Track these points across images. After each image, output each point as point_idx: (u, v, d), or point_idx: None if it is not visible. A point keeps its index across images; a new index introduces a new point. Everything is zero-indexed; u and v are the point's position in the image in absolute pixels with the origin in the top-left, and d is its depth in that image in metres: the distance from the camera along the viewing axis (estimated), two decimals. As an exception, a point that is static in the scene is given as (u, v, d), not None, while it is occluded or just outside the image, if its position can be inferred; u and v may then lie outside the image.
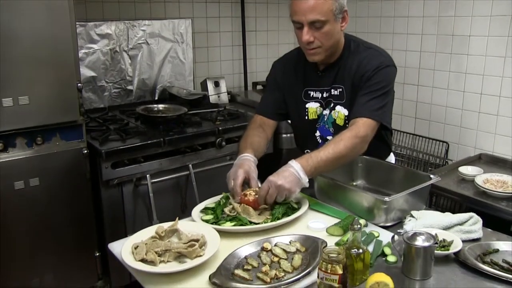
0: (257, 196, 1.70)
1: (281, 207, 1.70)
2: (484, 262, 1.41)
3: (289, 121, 2.25)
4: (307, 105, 2.03)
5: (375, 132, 1.85)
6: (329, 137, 1.99)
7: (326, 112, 2.00)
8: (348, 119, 1.92)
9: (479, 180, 2.48)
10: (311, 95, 2.02)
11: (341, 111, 1.95)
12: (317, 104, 2.01)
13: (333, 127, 1.99)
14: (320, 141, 2.04)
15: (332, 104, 1.98)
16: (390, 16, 3.48)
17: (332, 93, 1.96)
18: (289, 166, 1.70)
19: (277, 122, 2.13)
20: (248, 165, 1.80)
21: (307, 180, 1.69)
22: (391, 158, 2.20)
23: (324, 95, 1.99)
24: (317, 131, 2.04)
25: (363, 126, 1.80)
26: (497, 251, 1.49)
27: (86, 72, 3.08)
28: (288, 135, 3.28)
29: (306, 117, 2.04)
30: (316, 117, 2.03)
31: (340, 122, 1.96)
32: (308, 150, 1.97)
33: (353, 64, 1.90)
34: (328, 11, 1.76)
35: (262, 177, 1.77)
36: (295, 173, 1.67)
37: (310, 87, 2.02)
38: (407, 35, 3.39)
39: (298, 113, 2.07)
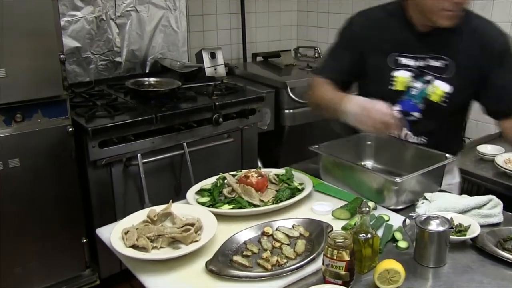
0: (260, 178, 1.70)
1: (287, 190, 1.71)
2: (504, 249, 1.41)
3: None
4: (395, 73, 1.86)
5: None
6: (414, 113, 1.87)
7: (418, 85, 1.85)
8: (449, 98, 1.81)
9: (500, 160, 2.48)
10: (401, 62, 1.86)
11: (440, 87, 1.82)
12: (408, 74, 1.85)
13: (424, 103, 1.85)
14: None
15: (429, 77, 1.83)
16: None
17: (430, 63, 1.82)
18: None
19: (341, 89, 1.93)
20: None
21: None
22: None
23: (420, 63, 1.84)
24: (398, 105, 1.86)
25: None
26: None
27: (69, 42, 3.06)
28: (291, 111, 3.28)
29: (391, 87, 1.87)
30: (404, 89, 1.86)
31: (436, 98, 1.82)
32: None
33: (470, 33, 1.78)
34: None
35: (264, 157, 1.77)
36: None
37: (402, 53, 1.85)
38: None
39: (379, 82, 1.90)
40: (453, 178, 2.04)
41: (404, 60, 1.86)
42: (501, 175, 2.44)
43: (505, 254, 1.38)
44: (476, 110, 3.19)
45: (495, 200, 1.62)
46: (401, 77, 1.86)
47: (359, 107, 1.68)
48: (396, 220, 1.56)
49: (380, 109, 1.64)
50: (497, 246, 1.43)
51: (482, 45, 1.77)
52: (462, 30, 1.77)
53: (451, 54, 1.80)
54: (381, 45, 1.88)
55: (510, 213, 1.65)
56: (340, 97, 1.78)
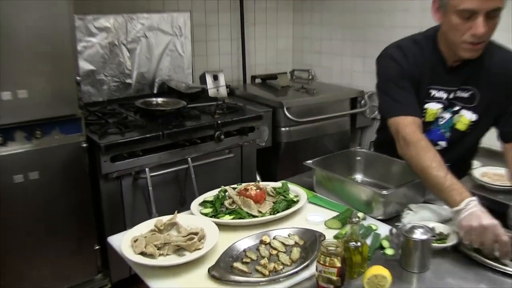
0: (258, 191, 1.70)
1: (283, 202, 1.71)
2: (479, 253, 1.42)
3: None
4: (426, 106, 1.78)
5: None
6: (441, 142, 1.83)
7: (447, 115, 1.80)
8: (474, 125, 1.76)
9: (477, 174, 2.48)
10: (433, 95, 1.78)
11: (465, 116, 1.77)
12: (439, 106, 1.78)
13: (451, 132, 1.81)
14: None
15: (457, 107, 1.78)
16: (388, 10, 3.47)
17: (458, 95, 1.76)
18: None
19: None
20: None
21: None
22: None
23: (450, 96, 1.76)
24: (424, 135, 1.70)
25: None
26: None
27: (84, 65, 3.08)
28: (287, 128, 3.29)
29: (422, 119, 1.75)
30: (433, 119, 1.81)
31: (461, 127, 1.79)
32: None
33: (490, 63, 1.71)
34: None
35: (262, 171, 1.77)
36: None
37: (435, 85, 1.76)
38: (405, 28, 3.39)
39: None
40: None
41: (436, 93, 1.78)
42: (478, 187, 2.43)
43: (482, 258, 1.39)
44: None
45: (473, 211, 1.62)
46: (431, 109, 1.79)
47: (470, 226, 1.38)
48: (384, 229, 1.56)
49: (493, 231, 1.36)
50: (474, 251, 1.44)
51: (504, 75, 1.72)
52: (484, 60, 1.70)
53: (475, 83, 1.74)
54: (418, 79, 1.76)
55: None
56: (451, 192, 1.47)
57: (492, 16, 1.52)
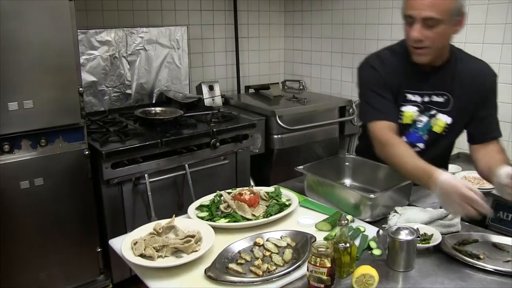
0: (252, 195, 1.70)
1: (276, 205, 1.71)
2: (460, 252, 1.44)
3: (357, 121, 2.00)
4: (402, 109, 1.82)
5: None
6: (419, 144, 1.85)
7: (424, 118, 1.83)
8: (449, 128, 1.81)
9: (458, 178, 2.49)
10: (408, 99, 1.82)
11: (441, 119, 1.81)
12: (415, 109, 1.82)
13: (428, 134, 1.84)
14: None
15: (433, 111, 1.82)
16: (374, 24, 3.49)
17: (433, 99, 1.80)
18: None
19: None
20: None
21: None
22: None
23: (425, 99, 1.81)
24: (404, 137, 1.83)
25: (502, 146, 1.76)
26: (476, 241, 1.53)
27: (87, 77, 3.07)
28: (280, 136, 3.29)
29: (399, 121, 1.82)
30: (411, 122, 1.83)
31: (437, 129, 1.83)
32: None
33: (464, 72, 1.77)
34: (445, 10, 1.58)
35: (255, 177, 1.77)
36: None
37: (410, 90, 1.81)
38: (391, 41, 3.39)
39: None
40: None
41: (411, 97, 1.82)
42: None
43: (463, 257, 1.41)
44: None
45: (454, 212, 1.64)
46: (408, 111, 1.83)
47: (442, 193, 1.47)
48: (371, 231, 1.57)
49: (463, 193, 1.42)
50: (454, 249, 1.45)
51: (475, 84, 1.77)
52: (456, 68, 1.77)
53: (449, 90, 1.79)
54: (395, 84, 1.81)
55: (467, 223, 1.66)
56: (424, 173, 1.56)
57: (431, 25, 1.60)
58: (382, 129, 1.75)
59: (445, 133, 1.83)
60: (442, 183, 1.47)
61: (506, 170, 1.53)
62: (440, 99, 1.80)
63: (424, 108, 1.82)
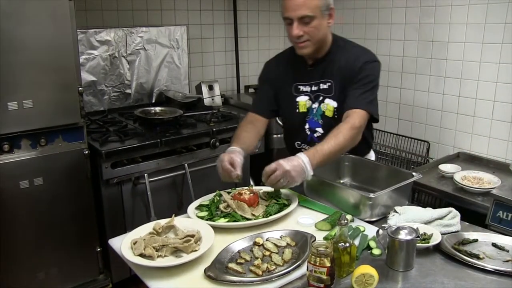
0: (251, 195, 1.70)
1: (275, 205, 1.70)
2: (459, 251, 1.44)
3: (279, 117, 2.32)
4: (297, 99, 2.04)
5: (366, 123, 1.87)
6: (317, 129, 2.02)
7: (315, 105, 2.01)
8: (337, 111, 1.95)
9: (457, 177, 2.50)
10: (300, 90, 2.03)
11: (330, 104, 1.97)
12: (306, 98, 2.02)
13: (322, 119, 2.00)
14: (308, 133, 2.05)
15: (321, 98, 1.99)
16: (374, 23, 3.49)
17: (321, 87, 1.98)
18: (298, 157, 1.67)
19: (268, 119, 2.11)
20: (232, 152, 1.84)
21: (311, 173, 1.67)
22: (371, 155, 2.21)
23: (313, 88, 2.00)
24: (307, 124, 2.04)
25: (358, 118, 1.82)
26: (476, 240, 1.52)
27: (86, 76, 3.07)
28: (279, 135, 3.28)
29: (297, 111, 2.04)
30: (306, 110, 2.03)
31: (329, 113, 1.98)
32: (299, 142, 2.10)
33: (342, 59, 1.94)
34: (315, 7, 1.81)
35: (255, 176, 1.77)
36: (303, 164, 1.65)
37: (300, 82, 2.02)
38: (390, 41, 3.40)
39: (289, 107, 2.06)
40: (371, 157, 2.21)
41: (302, 88, 2.03)
42: (459, 190, 2.45)
43: (462, 256, 1.41)
44: (436, 135, 3.22)
45: (454, 211, 1.64)
46: (301, 101, 2.03)
47: (218, 163, 1.82)
48: (371, 231, 1.56)
49: (219, 162, 1.80)
50: (454, 249, 1.45)
51: (348, 67, 1.92)
52: (337, 57, 1.95)
53: (331, 77, 1.96)
54: (287, 79, 2.05)
55: (467, 223, 1.66)
56: (231, 143, 1.97)
57: (306, 21, 1.82)
58: (247, 118, 2.10)
59: (336, 116, 1.96)
60: (222, 156, 1.81)
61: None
62: (325, 86, 1.98)
63: (314, 97, 2.01)
